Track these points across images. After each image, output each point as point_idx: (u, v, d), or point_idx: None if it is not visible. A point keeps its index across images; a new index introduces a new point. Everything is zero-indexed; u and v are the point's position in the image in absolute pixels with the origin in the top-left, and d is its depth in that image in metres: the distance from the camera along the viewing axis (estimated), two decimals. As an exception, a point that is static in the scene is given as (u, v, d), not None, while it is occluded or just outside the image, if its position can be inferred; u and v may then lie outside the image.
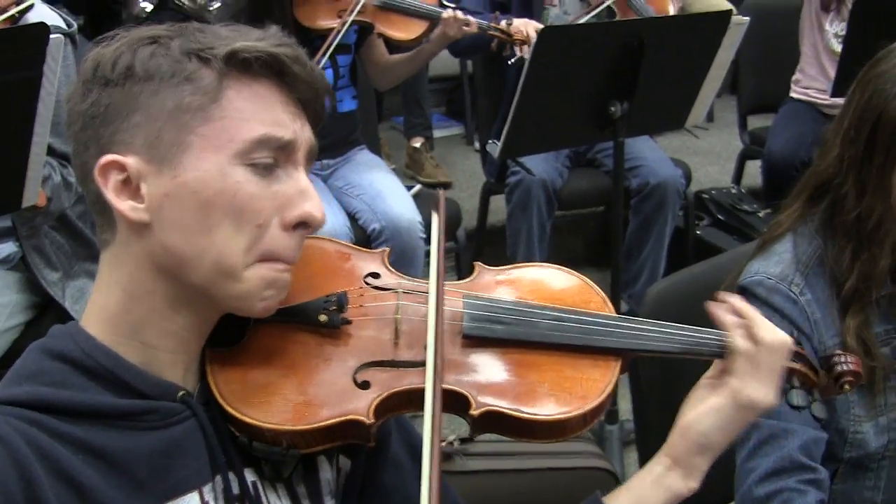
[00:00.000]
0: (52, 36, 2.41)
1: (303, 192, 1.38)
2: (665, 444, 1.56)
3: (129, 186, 1.33)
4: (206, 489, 1.38)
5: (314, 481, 1.53)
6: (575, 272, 1.68)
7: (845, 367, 1.63)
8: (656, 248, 4.81)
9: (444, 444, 2.61)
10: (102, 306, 1.38)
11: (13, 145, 2.52)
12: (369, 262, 1.62)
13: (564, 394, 1.47)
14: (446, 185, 6.17)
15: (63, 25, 3.14)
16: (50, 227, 3.20)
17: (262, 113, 1.35)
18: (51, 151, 3.04)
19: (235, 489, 1.41)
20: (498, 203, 5.18)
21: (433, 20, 4.23)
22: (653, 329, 1.57)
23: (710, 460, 1.53)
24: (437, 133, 6.96)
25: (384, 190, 4.23)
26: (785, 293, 2.05)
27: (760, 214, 5.29)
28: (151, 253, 1.35)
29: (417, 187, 4.88)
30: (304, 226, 1.39)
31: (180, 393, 1.39)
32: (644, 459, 2.39)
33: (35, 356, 1.36)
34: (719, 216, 5.40)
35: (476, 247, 5.11)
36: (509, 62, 4.27)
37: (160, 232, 1.33)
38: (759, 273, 2.10)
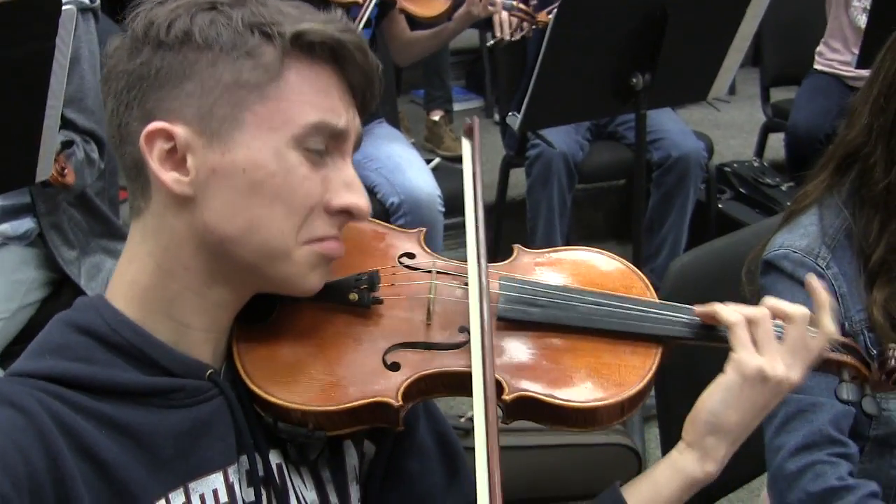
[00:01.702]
0: (64, 7, 2.38)
1: (349, 184, 1.36)
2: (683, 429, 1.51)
3: (175, 157, 1.29)
4: (231, 470, 1.36)
5: (340, 466, 1.51)
6: (617, 256, 1.63)
7: None
8: (678, 222, 4.78)
9: (463, 419, 2.60)
10: (133, 280, 1.34)
11: (26, 119, 2.50)
12: (405, 242, 1.59)
13: (602, 380, 1.42)
14: (466, 159, 6.13)
15: (85, 0, 3.11)
16: (68, 204, 3.19)
17: (319, 98, 1.31)
18: (73, 126, 3.04)
19: (260, 471, 1.38)
20: (518, 176, 5.15)
21: None
22: (689, 317, 1.51)
23: (728, 443, 1.46)
24: (456, 106, 6.93)
25: (403, 163, 4.21)
26: (811, 267, 2.01)
27: (783, 188, 5.26)
28: (192, 228, 1.31)
29: (437, 160, 4.86)
30: (348, 214, 1.36)
31: (208, 371, 1.36)
32: (665, 435, 2.37)
33: (59, 329, 1.33)
34: (741, 189, 5.36)
35: (496, 221, 5.09)
36: (488, 45, 4.30)
37: (204, 208, 1.29)
38: (785, 246, 2.07)
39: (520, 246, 1.63)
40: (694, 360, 1.95)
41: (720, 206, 5.31)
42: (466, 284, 1.47)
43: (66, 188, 2.98)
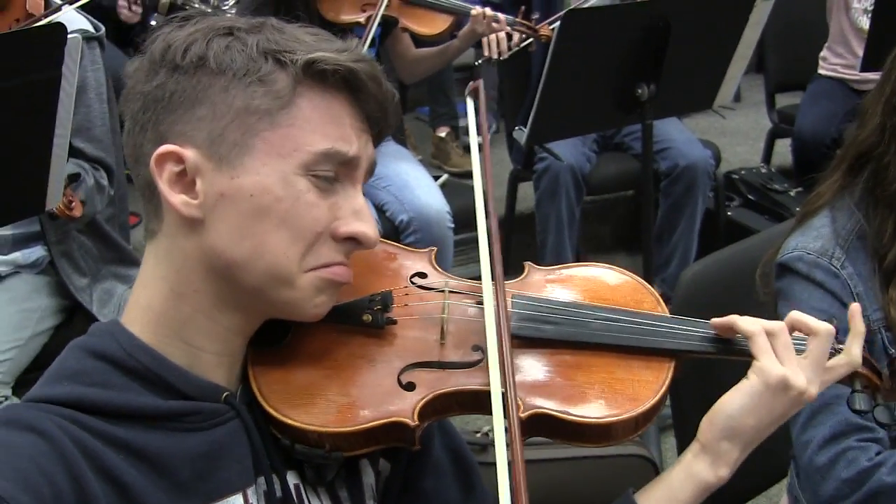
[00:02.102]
0: (69, 36, 2.39)
1: (358, 212, 1.36)
2: (698, 429, 1.51)
3: (184, 179, 1.30)
4: (250, 491, 1.36)
5: (357, 485, 1.50)
6: (627, 271, 1.63)
7: None
8: (687, 231, 4.78)
9: (478, 434, 2.59)
10: (147, 305, 1.35)
11: (34, 147, 2.51)
12: (416, 262, 1.59)
13: (616, 396, 1.42)
14: (473, 175, 6.14)
15: (90, 29, 3.13)
16: (77, 231, 3.20)
17: (330, 126, 1.32)
18: (82, 156, 3.05)
19: (278, 492, 1.38)
20: (526, 190, 5.15)
21: (458, 15, 4.21)
22: (705, 330, 1.51)
23: (742, 448, 1.46)
24: (462, 122, 6.93)
25: (411, 181, 4.21)
26: (826, 267, 2.02)
27: (792, 193, 5.26)
28: (201, 251, 1.32)
29: (444, 177, 4.86)
30: (355, 242, 1.36)
31: (224, 394, 1.36)
32: (682, 445, 2.36)
33: (76, 355, 1.33)
34: (750, 196, 5.36)
35: (505, 235, 5.09)
36: (475, 63, 4.31)
37: (212, 231, 1.30)
38: (799, 248, 2.07)
39: (531, 263, 1.63)
40: (709, 370, 1.95)
41: (729, 213, 5.30)
42: (479, 303, 1.48)
43: (72, 220, 2.99)
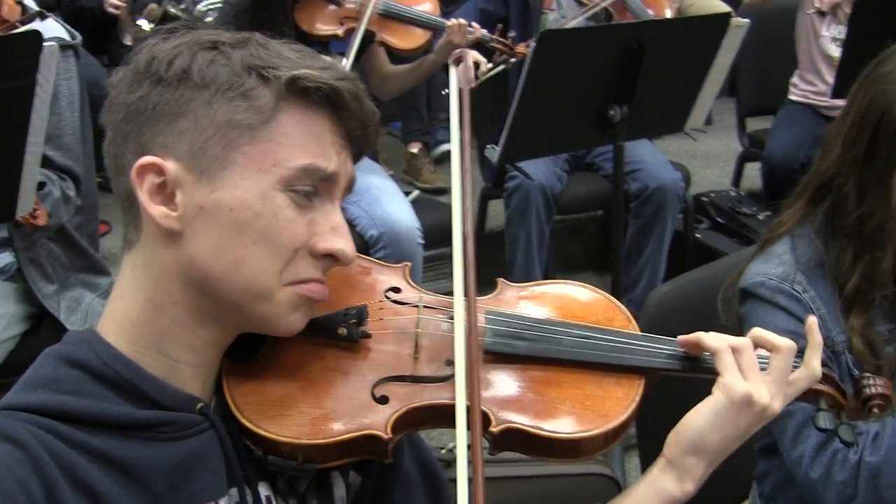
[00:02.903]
0: (45, 44, 2.39)
1: (336, 228, 1.37)
2: (664, 445, 1.53)
3: (164, 191, 1.31)
4: (222, 502, 1.36)
5: (328, 498, 1.51)
6: (599, 290, 1.65)
7: (874, 391, 1.60)
8: (656, 252, 4.80)
9: (443, 451, 2.60)
10: (123, 315, 1.35)
11: (7, 155, 2.50)
12: (390, 277, 1.60)
13: (586, 412, 1.44)
14: (444, 191, 6.15)
15: (66, 37, 3.12)
16: (47, 239, 3.18)
17: (310, 142, 1.33)
18: (50, 164, 3.04)
19: (250, 503, 1.39)
20: (496, 208, 5.16)
21: (435, 30, 4.23)
22: (673, 348, 1.54)
23: (707, 464, 1.48)
24: (439, 139, 6.94)
25: (382, 195, 4.21)
26: (788, 292, 2.05)
27: (760, 217, 5.29)
28: (179, 263, 1.32)
29: (415, 193, 4.87)
30: (333, 259, 1.37)
31: (199, 405, 1.36)
32: (645, 464, 2.38)
33: (50, 363, 1.33)
34: (719, 219, 5.39)
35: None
36: (442, 93, 4.32)
37: (190, 243, 1.31)
38: (761, 274, 2.10)
39: (503, 280, 1.64)
40: (673, 389, 1.95)
41: (698, 235, 5.33)
42: (452, 318, 1.48)
43: (36, 229, 2.98)
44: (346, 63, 3.88)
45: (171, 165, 1.29)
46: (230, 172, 1.29)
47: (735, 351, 1.48)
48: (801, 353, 1.55)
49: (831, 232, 2.08)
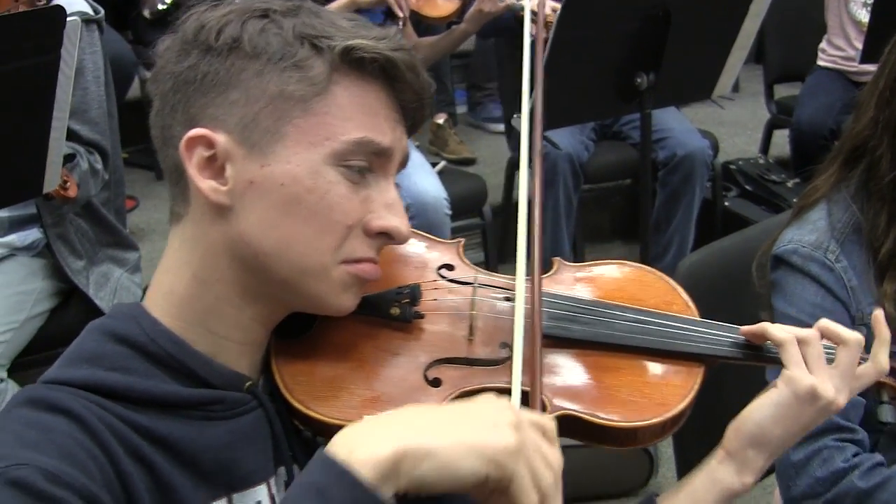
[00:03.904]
0: (68, 19, 2.38)
1: (391, 205, 1.33)
2: (724, 436, 1.49)
3: (214, 164, 1.27)
4: (272, 481, 1.34)
5: None
6: (658, 271, 1.61)
7: None
8: (685, 221, 4.77)
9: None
10: (170, 289, 1.32)
11: (32, 131, 2.50)
12: (444, 253, 1.55)
13: (644, 400, 1.41)
14: (470, 162, 6.14)
15: (90, 11, 3.12)
16: (74, 214, 3.19)
17: (364, 115, 1.29)
18: (77, 138, 3.04)
19: None
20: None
21: None
22: (735, 336, 1.50)
23: (767, 457, 1.45)
24: (460, 109, 6.92)
25: (409, 167, 4.18)
26: (820, 261, 2.03)
27: (789, 184, 5.26)
28: (227, 239, 1.29)
29: (442, 163, 4.86)
30: (387, 237, 1.34)
31: (247, 383, 1.34)
32: (678, 439, 2.36)
33: (96, 337, 1.30)
34: (747, 187, 5.36)
35: (502, 223, 5.09)
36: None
37: (240, 219, 1.27)
38: (794, 241, 2.08)
39: (560, 259, 1.60)
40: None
41: (726, 203, 5.31)
42: (508, 299, 1.45)
43: (67, 201, 2.98)
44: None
45: (221, 138, 1.26)
46: (282, 146, 1.25)
47: (801, 343, 1.44)
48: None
49: (866, 195, 2.06)
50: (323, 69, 1.26)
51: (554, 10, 4.12)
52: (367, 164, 1.30)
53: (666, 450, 3.67)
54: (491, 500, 1.10)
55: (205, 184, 1.27)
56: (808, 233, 2.08)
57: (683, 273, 2.35)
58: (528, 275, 1.42)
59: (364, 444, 1.04)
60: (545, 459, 1.11)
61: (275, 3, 1.31)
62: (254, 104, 1.26)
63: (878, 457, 1.96)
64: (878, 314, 1.56)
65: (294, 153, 1.26)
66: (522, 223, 1.45)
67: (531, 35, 1.50)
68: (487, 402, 1.15)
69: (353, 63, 1.28)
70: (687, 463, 2.26)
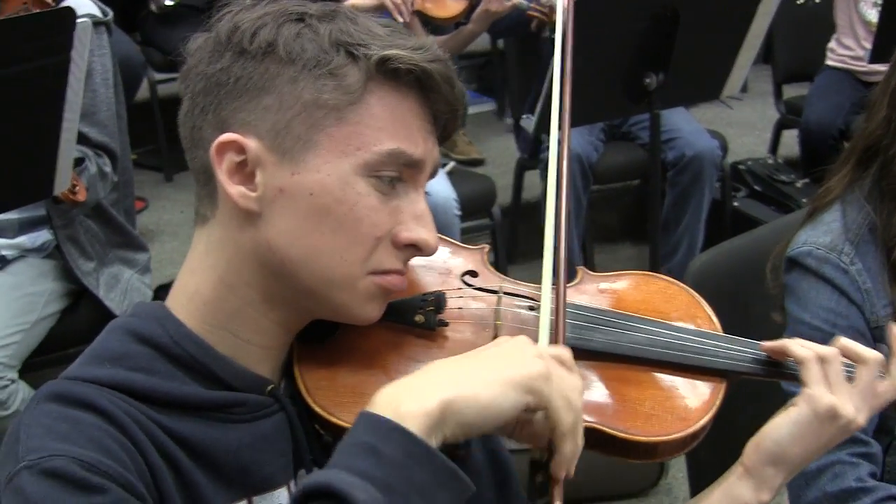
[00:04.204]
0: (78, 21, 2.39)
1: (420, 217, 1.31)
2: (743, 453, 1.48)
3: (244, 170, 1.26)
4: (292, 484, 1.34)
5: None
6: (682, 283, 1.59)
7: None
8: (694, 221, 4.77)
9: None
10: (194, 291, 1.32)
11: (43, 132, 2.51)
12: (468, 260, 1.55)
13: (666, 414, 1.39)
14: (479, 162, 6.14)
15: (98, 13, 3.12)
16: (84, 216, 3.20)
17: (397, 126, 1.27)
18: (86, 140, 3.05)
19: None
20: (532, 179, 5.15)
21: None
22: (756, 352, 1.49)
23: (785, 475, 1.45)
24: (469, 110, 6.91)
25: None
26: (835, 263, 2.01)
27: (798, 184, 5.25)
28: (255, 244, 1.28)
29: (451, 164, 4.86)
30: (415, 249, 1.32)
31: (269, 387, 1.33)
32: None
33: (119, 337, 1.30)
34: (756, 187, 5.36)
35: (511, 224, 5.09)
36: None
37: (268, 226, 1.27)
38: (808, 243, 2.06)
39: (584, 269, 1.59)
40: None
41: (735, 204, 5.31)
42: (533, 308, 1.44)
43: (76, 205, 2.99)
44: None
45: (252, 144, 1.24)
46: (313, 155, 1.24)
47: (822, 361, 1.43)
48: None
49: (879, 195, 2.04)
50: (358, 78, 1.25)
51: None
52: (398, 174, 1.28)
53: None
54: (516, 434, 1.20)
55: (234, 189, 1.26)
56: (823, 234, 2.06)
57: (693, 273, 2.35)
58: (553, 284, 1.40)
59: (408, 399, 1.09)
60: (571, 383, 1.18)
61: (311, 7, 1.29)
62: (287, 111, 1.24)
63: (893, 489, 1.93)
64: (894, 329, 1.55)
65: (325, 162, 1.25)
66: (549, 232, 1.43)
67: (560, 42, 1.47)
68: (508, 342, 1.21)
69: (389, 73, 1.26)
70: (697, 467, 2.26)
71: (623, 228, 5.87)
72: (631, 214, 5.86)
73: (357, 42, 1.25)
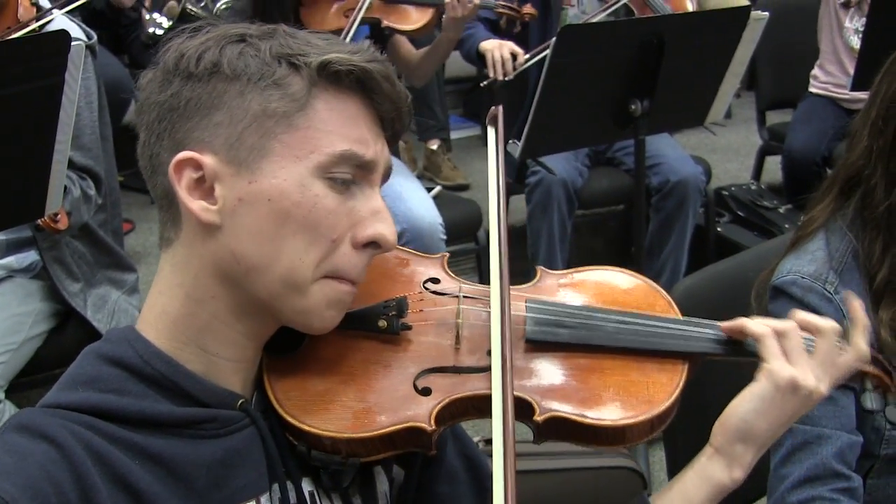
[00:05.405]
0: (73, 43, 2.41)
1: (377, 212, 1.36)
2: (711, 433, 1.51)
3: (203, 186, 1.30)
4: (264, 498, 1.36)
5: (371, 493, 1.51)
6: (639, 275, 1.64)
7: None
8: (678, 246, 4.79)
9: (477, 440, 2.60)
10: (163, 311, 1.35)
11: (36, 153, 2.52)
12: (429, 267, 1.59)
13: (630, 398, 1.43)
14: (464, 188, 6.16)
15: (83, 37, 3.13)
16: (71, 237, 3.21)
17: (346, 128, 1.32)
18: (70, 164, 3.05)
19: (293, 499, 1.38)
20: (518, 203, 5.17)
21: (437, 6, 4.20)
22: (716, 332, 1.53)
23: (755, 450, 1.47)
24: (454, 135, 6.96)
25: (404, 192, 4.22)
26: (820, 292, 2.03)
27: (781, 210, 5.28)
28: (217, 257, 1.32)
29: (437, 188, 4.88)
30: (375, 246, 1.36)
31: (240, 401, 1.36)
32: (670, 458, 2.38)
33: (91, 361, 1.33)
34: (739, 213, 5.39)
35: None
36: (481, 84, 4.33)
37: (230, 236, 1.30)
38: (793, 272, 2.08)
39: (542, 267, 1.63)
40: (698, 381, 1.97)
41: (719, 229, 5.33)
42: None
43: (57, 233, 3.01)
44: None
45: (208, 159, 1.29)
46: (268, 162, 1.29)
47: (779, 335, 1.47)
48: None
49: (861, 224, 2.06)
50: (302, 85, 1.30)
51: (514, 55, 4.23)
52: (352, 176, 1.33)
53: (659, 473, 3.69)
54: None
55: (195, 204, 1.30)
56: (808, 263, 2.08)
57: (677, 297, 2.35)
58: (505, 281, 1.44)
59: None
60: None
61: (251, 28, 1.35)
62: (237, 124, 1.29)
63: None
64: (851, 298, 1.59)
65: (280, 167, 1.29)
66: (493, 235, 1.49)
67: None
68: None
69: (331, 77, 1.31)
70: (679, 470, 2.28)
71: (608, 253, 5.89)
72: (615, 239, 5.88)
73: (297, 52, 1.31)
